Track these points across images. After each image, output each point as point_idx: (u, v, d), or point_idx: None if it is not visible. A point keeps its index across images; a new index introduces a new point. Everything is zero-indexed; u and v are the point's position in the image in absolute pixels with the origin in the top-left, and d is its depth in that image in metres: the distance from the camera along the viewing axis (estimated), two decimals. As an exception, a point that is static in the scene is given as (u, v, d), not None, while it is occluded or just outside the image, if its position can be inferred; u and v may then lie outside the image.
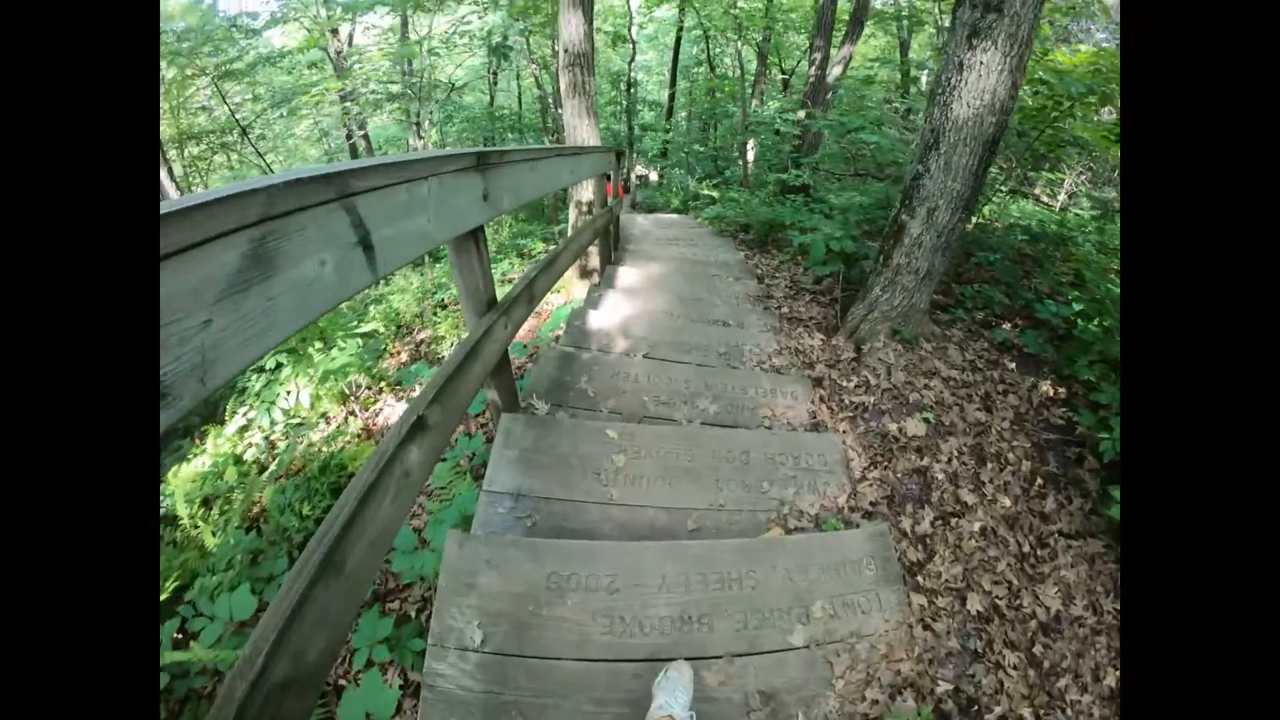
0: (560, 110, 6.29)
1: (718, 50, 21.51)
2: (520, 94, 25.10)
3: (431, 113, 16.35)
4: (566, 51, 5.99)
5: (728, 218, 9.36)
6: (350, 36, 16.48)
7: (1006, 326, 4.92)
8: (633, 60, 20.05)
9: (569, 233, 6.76)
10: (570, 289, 6.51)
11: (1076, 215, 8.66)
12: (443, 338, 6.01)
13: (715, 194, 11.77)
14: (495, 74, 20.81)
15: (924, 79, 15.31)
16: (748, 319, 4.81)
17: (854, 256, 5.09)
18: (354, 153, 15.57)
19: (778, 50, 16.41)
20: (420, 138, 11.61)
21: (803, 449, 3.24)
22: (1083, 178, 11.01)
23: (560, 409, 3.44)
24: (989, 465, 3.37)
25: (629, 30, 18.73)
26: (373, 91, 14.33)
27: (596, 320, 4.36)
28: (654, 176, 21.17)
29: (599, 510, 2.75)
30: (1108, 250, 6.85)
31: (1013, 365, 4.49)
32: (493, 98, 20.95)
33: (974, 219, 7.67)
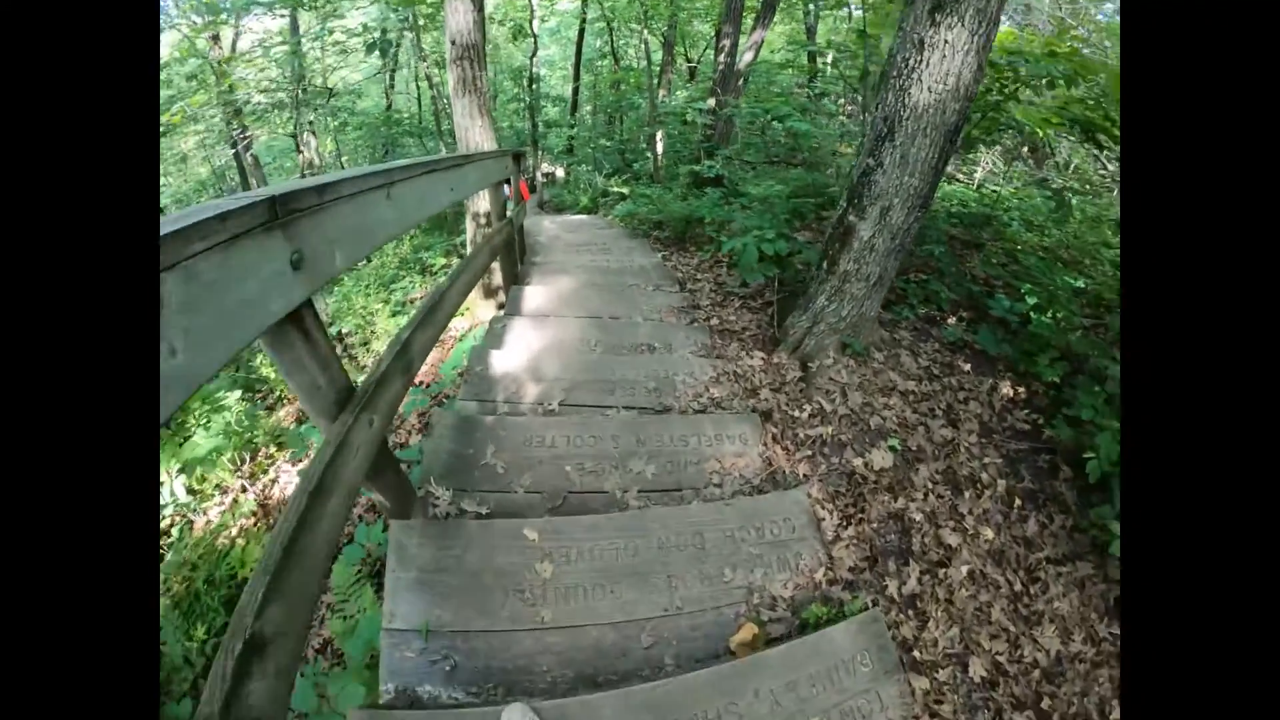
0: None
1: (621, 42, 20.77)
2: (420, 96, 23.83)
3: (312, 120, 15.11)
4: (454, 43, 5.12)
5: (640, 215, 8.65)
6: (234, 42, 14.82)
7: (952, 322, 4.48)
8: (534, 55, 19.00)
9: (469, 247, 5.92)
10: (475, 310, 5.67)
11: (993, 191, 8.37)
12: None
13: (625, 190, 11.03)
14: (391, 75, 19.51)
15: (828, 63, 14.95)
16: (675, 338, 4.11)
17: (788, 257, 4.46)
18: (242, 172, 14.08)
19: (683, 39, 15.77)
20: (300, 150, 10.38)
21: (764, 516, 2.65)
22: (999, 155, 10.82)
23: (465, 494, 2.70)
24: (966, 493, 3.03)
25: (530, 24, 17.71)
26: (257, 103, 13.05)
27: (501, 362, 3.58)
28: (561, 173, 20.20)
29: (532, 639, 2.13)
30: (1035, 227, 6.51)
31: (968, 367, 4.04)
32: (390, 101, 19.64)
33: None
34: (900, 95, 2.98)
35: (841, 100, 12.43)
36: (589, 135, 19.06)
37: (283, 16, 11.70)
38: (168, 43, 12.98)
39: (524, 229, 6.88)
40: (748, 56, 10.20)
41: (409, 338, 2.27)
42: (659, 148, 12.25)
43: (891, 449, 3.25)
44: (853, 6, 12.77)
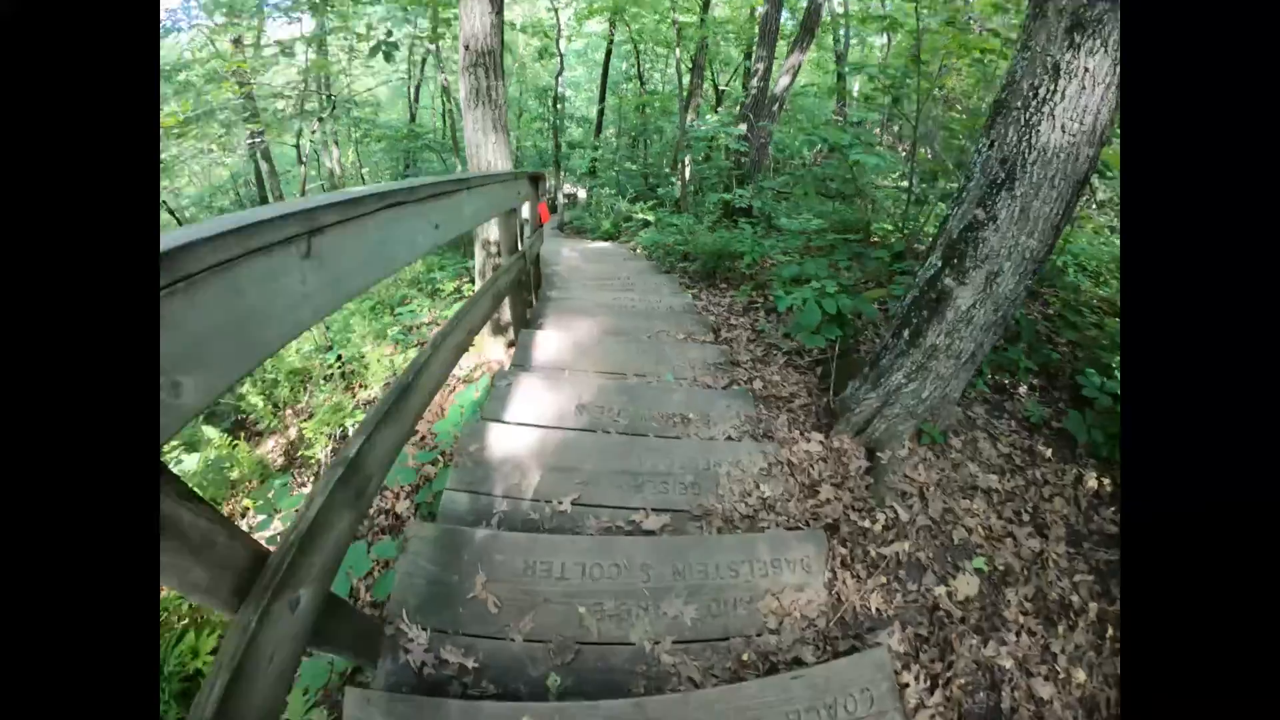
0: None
1: (648, 65, 20.24)
2: (445, 110, 23.49)
3: (335, 130, 14.55)
4: (468, 48, 4.43)
5: (666, 245, 7.95)
6: (256, 44, 14.31)
7: (1023, 391, 3.77)
8: (560, 74, 18.48)
9: (477, 279, 5.22)
10: (483, 347, 4.96)
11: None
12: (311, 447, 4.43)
13: (650, 217, 10.35)
14: (416, 90, 19.03)
15: (855, 88, 14.24)
16: (714, 408, 3.37)
17: (852, 316, 3.72)
18: (259, 180, 13.48)
19: (711, 63, 15.14)
20: (302, 162, 9.70)
21: (838, 689, 1.96)
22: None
23: (446, 638, 2.01)
24: (1059, 626, 2.45)
25: (557, 43, 17.18)
26: (278, 109, 12.51)
27: (502, 440, 2.84)
28: (583, 195, 19.48)
29: None
30: (1089, 273, 5.74)
31: (1049, 452, 3.36)
32: (413, 114, 19.17)
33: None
34: (1025, 133, 2.26)
35: (876, 130, 11.73)
36: (613, 158, 18.44)
37: (299, 19, 11.07)
38: (186, 43, 12.50)
39: (540, 258, 6.19)
40: (784, 81, 9.54)
41: (361, 450, 1.55)
42: (685, 173, 11.60)
43: (978, 570, 2.61)
44: (890, 33, 12.12)
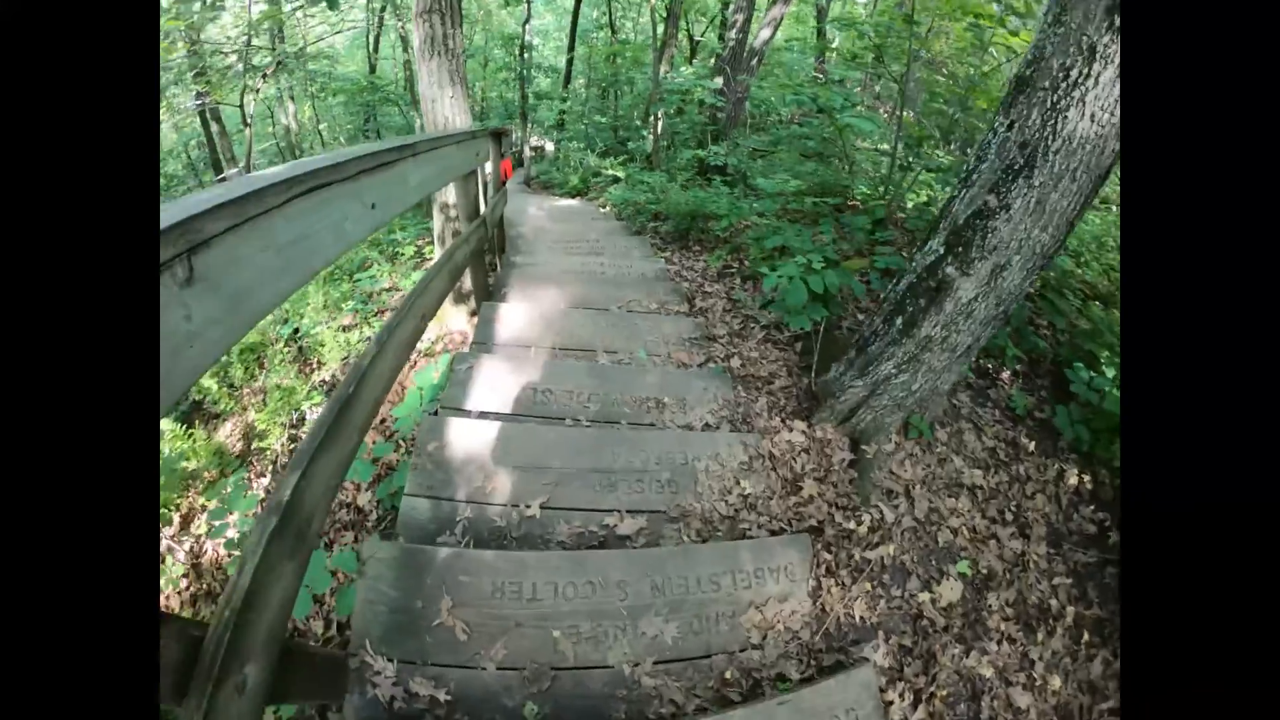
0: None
1: (620, 13, 19.48)
2: (405, 61, 22.52)
3: (292, 86, 13.73)
4: (420, -9, 4.05)
5: (637, 204, 7.65)
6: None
7: (1006, 378, 3.67)
8: (527, 21, 17.59)
9: (436, 246, 4.89)
10: (445, 318, 4.67)
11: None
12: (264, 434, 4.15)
13: (620, 173, 9.97)
14: (376, 40, 18.07)
15: (836, 43, 13.82)
16: (690, 390, 3.16)
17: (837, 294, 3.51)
18: (210, 140, 12.58)
19: (687, 13, 14.54)
20: (247, 124, 8.93)
21: (823, 710, 1.96)
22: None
23: (414, 670, 1.84)
24: (1038, 632, 2.44)
25: (522, -13, 16.38)
26: (224, 66, 11.60)
27: (463, 436, 2.59)
28: (550, 148, 18.75)
29: None
30: (1071, 252, 5.63)
31: (1032, 445, 3.29)
32: (373, 66, 18.24)
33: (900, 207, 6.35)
34: (1051, 117, 2.03)
35: (858, 89, 11.39)
36: (582, 110, 17.81)
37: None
38: None
39: (504, 219, 5.87)
40: (764, 34, 9.14)
41: (297, 489, 1.32)
42: (658, 128, 11.20)
43: (961, 575, 2.53)
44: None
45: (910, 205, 6.26)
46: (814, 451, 2.87)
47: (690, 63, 14.04)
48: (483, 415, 2.86)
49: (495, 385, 3.03)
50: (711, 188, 7.49)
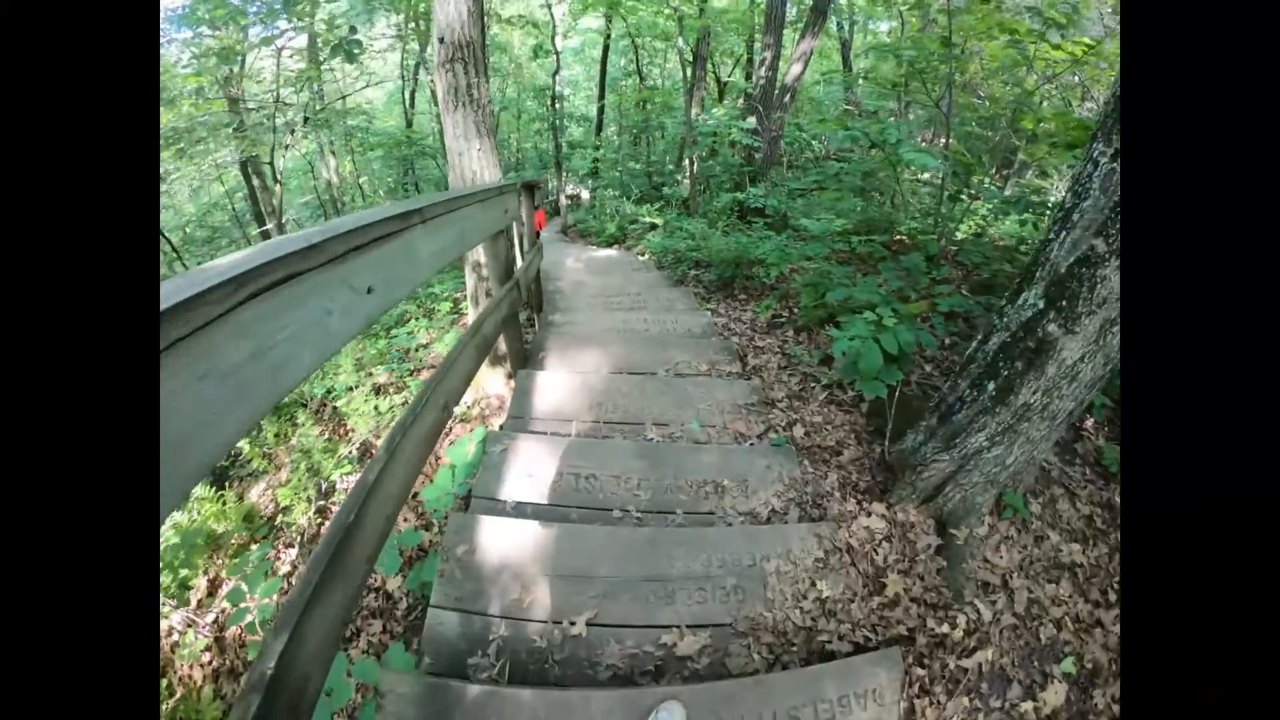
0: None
1: (647, 60, 19.61)
2: (437, 114, 22.87)
3: (332, 141, 13.98)
4: (443, 41, 3.82)
5: (678, 252, 7.39)
6: (242, 60, 13.57)
7: (1090, 426, 3.25)
8: (557, 72, 17.82)
9: (469, 308, 4.67)
10: (480, 381, 4.42)
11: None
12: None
13: (658, 219, 9.77)
14: (411, 94, 18.45)
15: (863, 77, 13.56)
16: (753, 469, 2.79)
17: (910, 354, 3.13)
18: (252, 194, 12.83)
19: (712, 55, 14.48)
20: (278, 180, 9.00)
21: None
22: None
23: None
24: None
25: (553, 40, 16.55)
26: (277, 121, 11.82)
27: (495, 541, 2.26)
28: (586, 195, 18.81)
29: None
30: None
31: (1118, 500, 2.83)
32: (409, 120, 18.60)
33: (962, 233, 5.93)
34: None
35: (892, 118, 11.10)
36: (615, 158, 17.82)
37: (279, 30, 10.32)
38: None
39: (541, 273, 5.65)
40: (795, 69, 8.91)
41: (283, 658, 1.04)
42: (693, 170, 11.02)
43: (1066, 675, 2.17)
44: (902, 16, 11.48)
45: (959, 237, 5.89)
46: (896, 539, 2.49)
47: (720, 103, 13.91)
48: (519, 507, 2.55)
49: (532, 470, 2.73)
50: (753, 230, 7.21)
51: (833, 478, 2.85)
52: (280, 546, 3.78)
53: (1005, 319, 2.26)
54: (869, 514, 2.58)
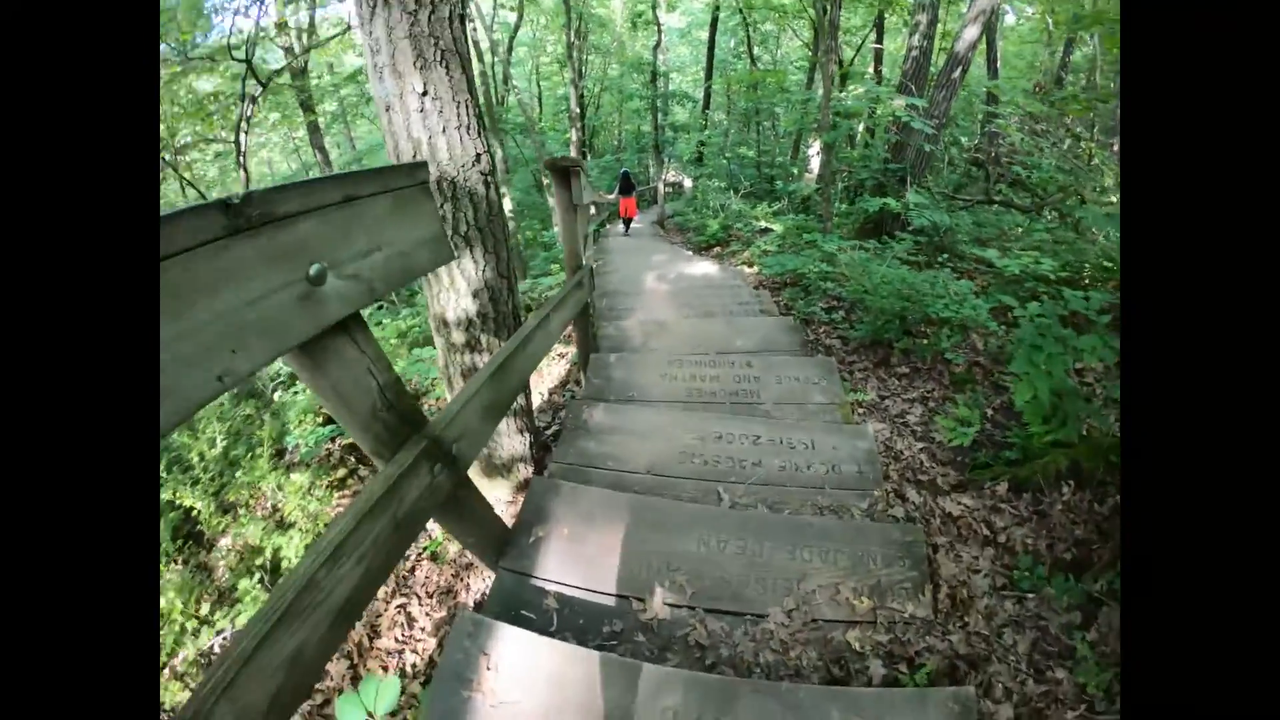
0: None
1: (759, 41, 17.08)
2: (540, 89, 21.29)
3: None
4: None
5: (805, 280, 5.07)
6: (304, 32, 11.55)
7: None
8: (658, 45, 15.50)
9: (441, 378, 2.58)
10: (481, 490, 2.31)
11: None
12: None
13: (775, 225, 7.40)
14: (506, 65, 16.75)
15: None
16: None
17: None
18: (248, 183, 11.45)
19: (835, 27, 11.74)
20: (240, 164, 7.13)
21: None
22: None
23: None
24: None
25: (654, 9, 14.25)
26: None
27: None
28: (688, 184, 16.36)
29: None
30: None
31: None
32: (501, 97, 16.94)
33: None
34: None
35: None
36: (722, 143, 15.35)
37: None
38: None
39: (595, 303, 3.51)
40: (969, 33, 6.29)
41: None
42: (813, 164, 8.57)
43: None
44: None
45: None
46: None
47: (844, 88, 11.18)
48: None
49: None
50: (895, 251, 4.84)
51: None
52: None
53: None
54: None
